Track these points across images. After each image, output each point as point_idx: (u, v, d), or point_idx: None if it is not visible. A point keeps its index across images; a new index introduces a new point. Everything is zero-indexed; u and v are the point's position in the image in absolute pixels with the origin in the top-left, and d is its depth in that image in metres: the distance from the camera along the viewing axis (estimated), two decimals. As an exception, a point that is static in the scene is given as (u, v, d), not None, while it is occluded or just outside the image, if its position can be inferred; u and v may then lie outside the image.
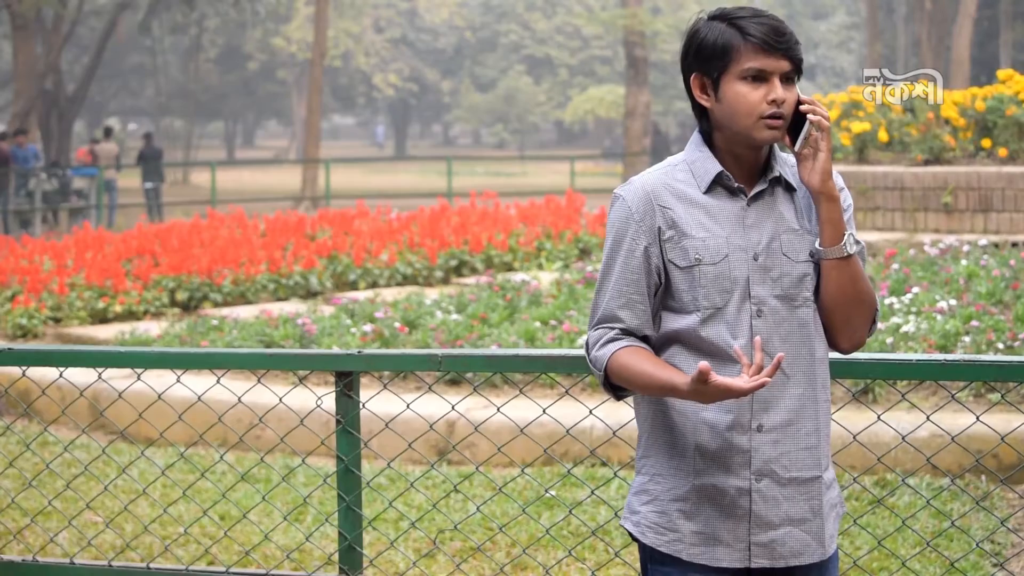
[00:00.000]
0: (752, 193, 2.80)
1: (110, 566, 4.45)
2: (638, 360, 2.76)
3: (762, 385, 2.56)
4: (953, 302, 8.67)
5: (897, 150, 13.21)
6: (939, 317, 8.28)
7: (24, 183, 24.10)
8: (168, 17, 43.93)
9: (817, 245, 2.78)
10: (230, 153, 60.61)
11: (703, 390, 2.60)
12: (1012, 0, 38.98)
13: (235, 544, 5.61)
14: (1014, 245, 11.37)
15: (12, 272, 11.91)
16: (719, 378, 2.58)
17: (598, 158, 47.55)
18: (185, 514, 6.10)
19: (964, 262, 10.20)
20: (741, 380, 2.58)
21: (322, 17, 31.91)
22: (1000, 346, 7.64)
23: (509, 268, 13.27)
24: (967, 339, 7.76)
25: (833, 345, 2.87)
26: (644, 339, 2.82)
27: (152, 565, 4.45)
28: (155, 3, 38.75)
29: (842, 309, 2.80)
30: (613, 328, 2.81)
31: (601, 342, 2.81)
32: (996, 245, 11.39)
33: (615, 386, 2.83)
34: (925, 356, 3.70)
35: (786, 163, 2.86)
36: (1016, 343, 7.66)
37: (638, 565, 5.42)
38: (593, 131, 67.18)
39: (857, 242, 2.79)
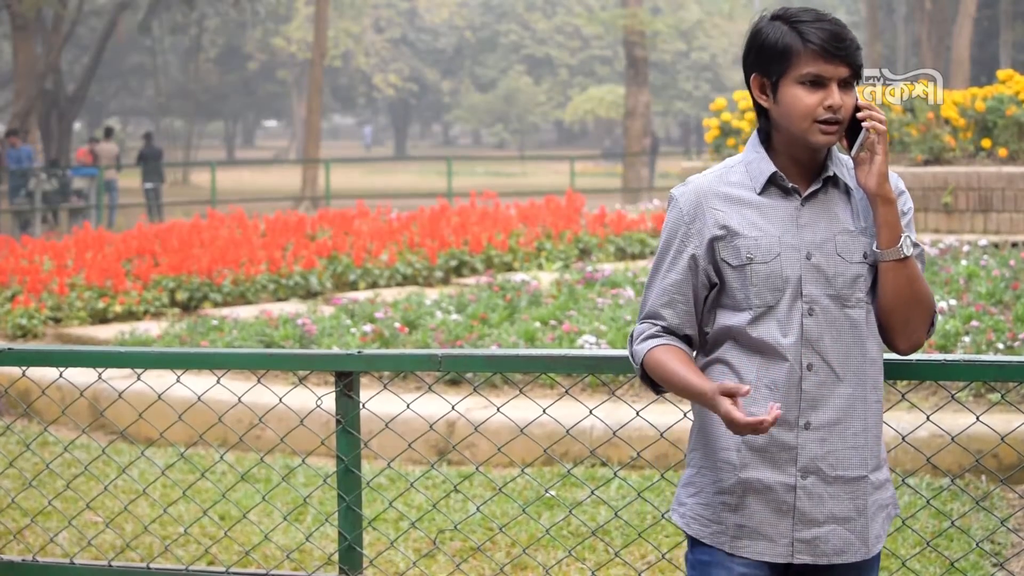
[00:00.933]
0: (806, 193, 2.82)
1: (110, 566, 4.45)
2: (670, 360, 2.82)
3: (756, 425, 2.62)
4: (953, 302, 8.67)
5: (897, 150, 13.21)
6: (939, 317, 8.28)
7: (20, 184, 24.09)
8: (168, 17, 43.95)
9: (874, 247, 2.81)
10: (230, 153, 60.63)
11: (715, 405, 2.67)
12: (1012, 0, 38.97)
13: (235, 544, 5.61)
14: (1014, 245, 11.37)
15: (12, 272, 11.91)
16: (729, 407, 2.64)
17: (598, 158, 47.58)
18: (185, 514, 6.10)
19: (964, 262, 10.20)
20: (742, 414, 2.63)
21: (322, 17, 31.92)
22: (1000, 346, 7.64)
23: (509, 268, 13.27)
24: (967, 339, 7.76)
25: (891, 346, 2.90)
26: (685, 338, 2.88)
27: (152, 565, 4.45)
28: (155, 3, 38.76)
29: (900, 310, 2.83)
30: (656, 324, 2.88)
31: (642, 337, 2.89)
32: (996, 245, 11.40)
33: (652, 381, 2.90)
34: (925, 356, 3.69)
35: (843, 164, 2.88)
36: (1016, 343, 7.66)
37: (638, 565, 5.45)
38: (593, 131, 67.20)
39: (915, 244, 2.81)
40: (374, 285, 12.50)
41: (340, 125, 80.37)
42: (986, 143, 12.79)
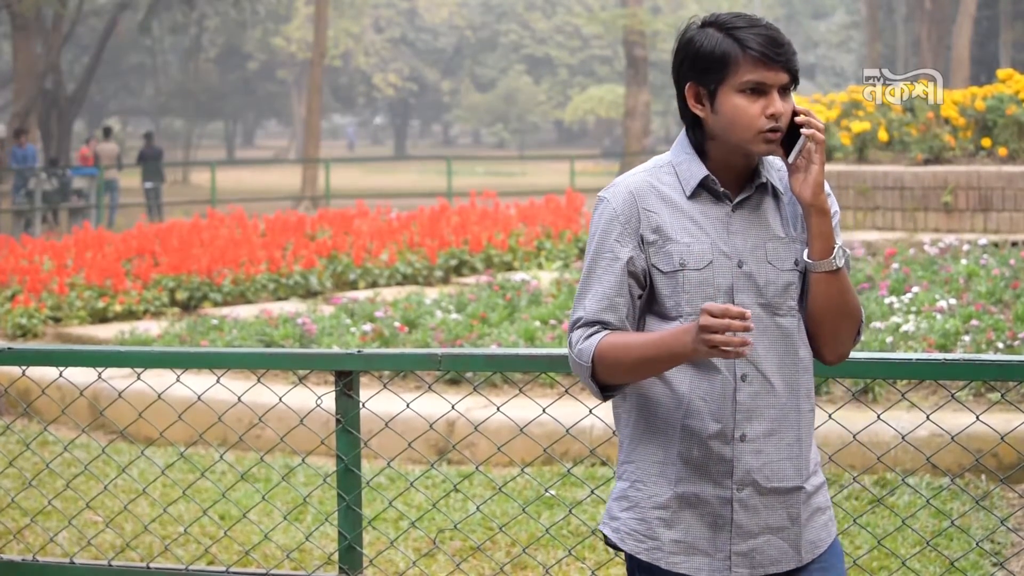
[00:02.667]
0: (737, 199, 2.76)
1: (110, 566, 4.45)
2: (628, 336, 2.71)
3: (742, 315, 2.50)
4: (953, 301, 8.67)
5: (897, 149, 13.21)
6: (939, 316, 8.28)
7: (22, 183, 24.11)
8: (168, 17, 43.93)
9: (806, 257, 2.75)
10: (230, 153, 60.61)
11: (709, 324, 2.52)
12: (1012, 0, 38.97)
13: (235, 544, 5.61)
14: (1014, 244, 11.37)
15: (12, 272, 11.91)
16: (716, 305, 2.52)
17: (598, 158, 47.53)
18: (185, 514, 6.10)
19: (964, 261, 10.20)
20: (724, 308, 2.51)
21: (322, 17, 31.91)
22: (1000, 345, 7.64)
23: (509, 268, 13.27)
24: (967, 338, 7.76)
25: (818, 356, 2.83)
26: None
27: (152, 565, 4.45)
28: (155, 3, 38.75)
29: (830, 321, 2.77)
30: (595, 326, 2.76)
31: (584, 336, 2.76)
32: (996, 244, 11.39)
33: (602, 385, 2.79)
34: (925, 355, 3.70)
35: (772, 167, 2.81)
36: (1016, 342, 7.66)
37: (638, 564, 5.42)
38: (593, 131, 67.17)
39: (844, 253, 2.76)
40: (374, 284, 12.49)
41: (340, 125, 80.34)
42: (986, 142, 12.79)
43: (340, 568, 4.08)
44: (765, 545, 2.75)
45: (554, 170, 41.40)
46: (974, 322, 8.01)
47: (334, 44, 48.99)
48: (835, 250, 2.73)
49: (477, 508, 4.93)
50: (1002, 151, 12.57)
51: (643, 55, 32.16)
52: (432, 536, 5.64)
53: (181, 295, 11.54)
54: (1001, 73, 13.74)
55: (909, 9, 42.63)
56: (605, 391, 2.81)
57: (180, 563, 4.82)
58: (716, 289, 2.71)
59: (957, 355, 3.62)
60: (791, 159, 2.72)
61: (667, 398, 2.75)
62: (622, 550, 2.82)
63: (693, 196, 2.75)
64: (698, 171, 2.75)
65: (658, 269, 2.74)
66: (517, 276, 11.83)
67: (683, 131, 2.82)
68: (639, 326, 2.79)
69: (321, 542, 5.62)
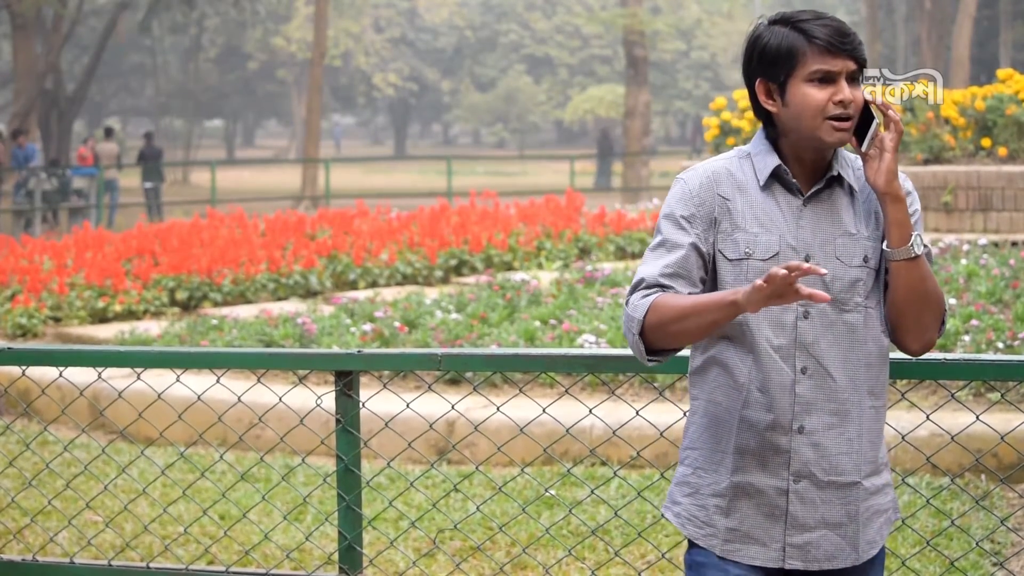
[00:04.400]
0: (809, 192, 2.78)
1: (110, 566, 4.45)
2: (682, 297, 2.70)
3: (811, 270, 2.46)
4: (953, 301, 8.67)
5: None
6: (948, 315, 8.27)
7: (23, 183, 24.12)
8: (168, 17, 43.91)
9: (885, 246, 2.77)
10: (230, 153, 60.60)
11: (765, 288, 2.49)
12: (1012, 0, 38.96)
13: (235, 544, 5.61)
14: (1014, 244, 11.37)
15: (12, 272, 11.91)
16: (774, 271, 2.48)
17: (597, 157, 47.49)
18: (185, 514, 6.10)
19: (964, 261, 10.20)
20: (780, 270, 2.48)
21: (322, 17, 31.90)
22: (1000, 345, 7.64)
23: (509, 267, 13.27)
24: (967, 338, 7.76)
25: (903, 346, 2.86)
26: None
27: (152, 564, 4.45)
28: (155, 3, 38.73)
29: (912, 309, 2.80)
30: (654, 289, 2.74)
31: (641, 296, 2.74)
32: (996, 244, 11.40)
33: (650, 349, 2.74)
34: (925, 355, 3.69)
35: (849, 164, 2.84)
36: (1016, 342, 7.66)
37: (638, 564, 5.44)
38: (593, 131, 67.15)
39: (925, 243, 2.78)
40: (374, 284, 12.49)
41: (340, 125, 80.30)
42: (986, 142, 12.79)
43: (340, 568, 4.08)
44: (821, 539, 2.78)
45: (554, 170, 41.42)
46: (974, 322, 8.01)
47: (334, 44, 48.98)
48: (913, 237, 2.75)
49: (477, 508, 4.93)
50: (1002, 151, 12.57)
51: (643, 55, 32.15)
52: (432, 536, 5.64)
53: (181, 295, 11.54)
54: (1001, 73, 13.75)
55: (909, 9, 42.63)
56: (651, 354, 2.77)
57: (180, 563, 4.82)
58: None
59: (957, 355, 3.62)
60: (864, 147, 2.75)
61: (729, 387, 2.78)
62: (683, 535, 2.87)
63: (766, 186, 2.79)
64: (772, 161, 2.79)
65: (723, 255, 2.77)
66: (517, 276, 11.83)
67: (761, 127, 2.86)
68: None
69: (321, 542, 5.62)
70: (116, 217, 24.98)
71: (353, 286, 12.44)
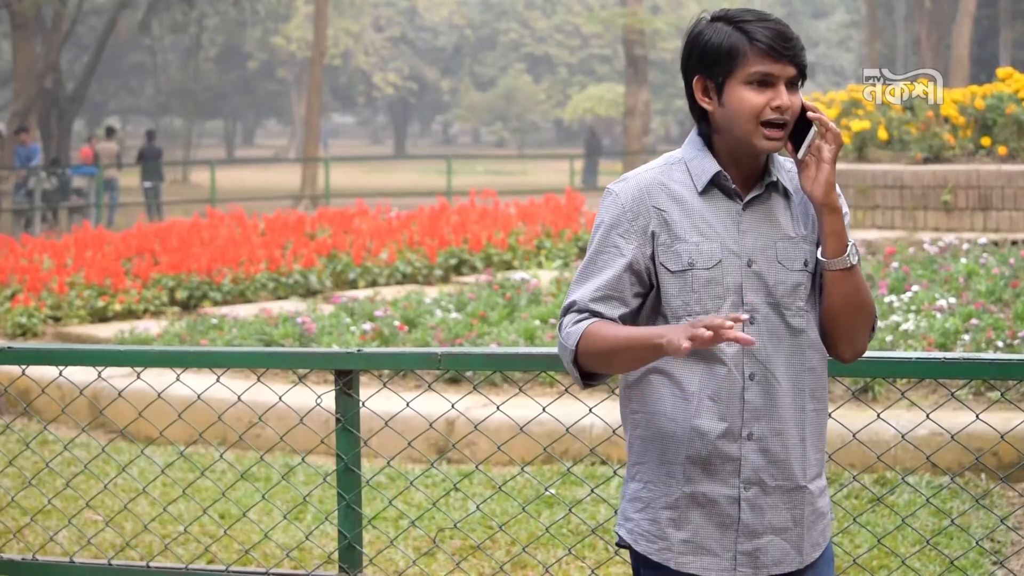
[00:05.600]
0: (748, 198, 2.76)
1: (110, 565, 4.45)
2: (611, 328, 2.69)
3: (737, 319, 2.48)
4: (953, 300, 8.67)
5: (897, 148, 13.21)
6: (939, 315, 8.28)
7: (22, 182, 24.12)
8: (168, 16, 43.93)
9: (820, 256, 2.75)
10: (230, 152, 60.58)
11: (695, 334, 2.50)
12: (1012, -2, 38.97)
13: (235, 543, 5.61)
14: (1014, 243, 11.37)
15: (12, 271, 11.91)
16: (706, 318, 2.50)
17: (585, 156, 47.46)
18: (185, 513, 6.10)
19: (964, 260, 10.20)
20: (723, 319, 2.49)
21: (322, 16, 31.90)
22: (1000, 344, 7.64)
23: (509, 267, 13.27)
24: (967, 337, 7.76)
25: (835, 354, 2.84)
26: None
27: (152, 564, 4.45)
28: (155, 2, 38.75)
29: (845, 318, 2.78)
30: (585, 314, 2.74)
31: (574, 321, 2.74)
32: (996, 243, 11.39)
33: (584, 372, 2.76)
34: (925, 354, 3.69)
35: (783, 168, 2.81)
36: (1015, 341, 7.66)
37: (638, 563, 5.41)
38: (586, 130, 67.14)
39: (856, 251, 2.77)
40: (374, 283, 12.49)
41: (340, 124, 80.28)
42: (986, 141, 12.78)
43: (340, 567, 4.09)
44: (769, 545, 2.76)
45: (554, 169, 41.39)
46: (974, 321, 8.01)
47: (334, 43, 48.97)
48: (848, 247, 2.74)
49: (477, 507, 4.93)
50: (1002, 150, 12.57)
51: (643, 54, 32.14)
52: (432, 535, 5.64)
53: (181, 294, 11.54)
54: (1001, 72, 13.74)
55: (909, 8, 42.63)
56: (586, 379, 2.78)
57: (180, 562, 4.83)
58: (725, 288, 2.72)
59: (957, 354, 3.62)
60: (800, 155, 2.72)
61: (676, 398, 2.74)
62: (635, 551, 2.82)
63: (704, 192, 2.75)
64: (710, 167, 2.75)
65: (666, 268, 2.73)
66: (517, 275, 11.83)
67: (694, 129, 2.83)
68: (648, 325, 2.76)
69: (321, 541, 5.62)
70: (116, 216, 24.98)
71: (353, 285, 12.44)
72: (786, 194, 2.79)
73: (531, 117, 61.20)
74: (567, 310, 2.77)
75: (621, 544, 2.86)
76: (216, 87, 56.88)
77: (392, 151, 65.19)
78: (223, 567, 4.46)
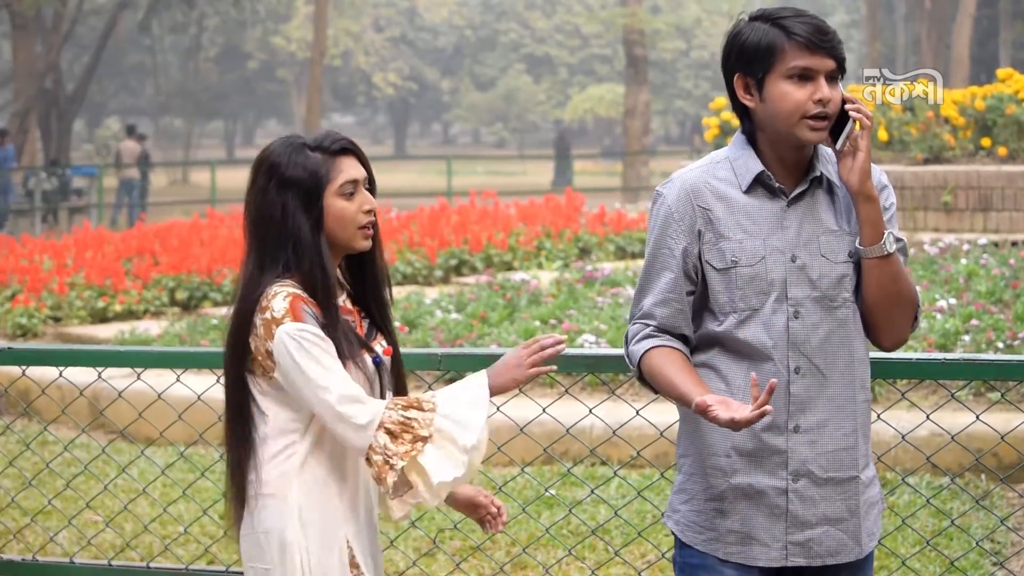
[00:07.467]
0: (792, 194, 2.80)
1: (110, 565, 4.45)
2: (665, 364, 2.78)
3: (763, 415, 2.56)
4: (953, 301, 8.67)
5: (897, 149, 13.21)
6: (939, 316, 8.28)
7: (5, 184, 24.04)
8: (168, 16, 43.93)
9: (857, 244, 2.78)
10: (230, 152, 60.57)
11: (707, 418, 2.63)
12: (1012, -1, 38.97)
13: (235, 543, 5.60)
14: (1014, 244, 11.37)
15: (12, 271, 11.91)
16: (720, 413, 2.59)
17: (597, 157, 47.51)
18: (185, 513, 6.10)
19: (964, 261, 10.20)
20: (742, 412, 2.58)
21: (322, 16, 31.92)
22: (1000, 345, 7.64)
23: (509, 267, 13.27)
24: (967, 338, 7.76)
25: (876, 343, 2.88)
26: (682, 337, 2.84)
27: (152, 564, 4.45)
28: (155, 2, 38.73)
29: (884, 307, 2.81)
30: (649, 325, 2.83)
31: (637, 338, 2.85)
32: (996, 244, 11.40)
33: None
34: (925, 355, 3.69)
35: (828, 161, 2.85)
36: (1016, 342, 7.66)
37: (638, 564, 5.43)
38: (592, 130, 67.15)
39: (898, 239, 2.80)
40: (374, 284, 12.47)
41: (340, 124, 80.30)
42: (986, 142, 12.79)
43: (340, 568, 4.08)
44: (823, 536, 2.79)
45: (554, 169, 41.34)
46: (974, 322, 8.01)
47: (334, 43, 48.97)
48: (884, 235, 2.76)
49: (477, 508, 4.91)
50: (1002, 151, 12.57)
51: (643, 54, 32.15)
52: (432, 536, 5.64)
53: (181, 295, 11.54)
54: (1001, 73, 13.75)
55: (909, 8, 42.63)
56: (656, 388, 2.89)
57: (180, 563, 4.82)
58: (769, 284, 2.76)
59: (957, 355, 3.62)
60: (839, 146, 2.76)
61: (722, 391, 2.78)
62: (681, 541, 2.87)
63: (749, 191, 2.80)
64: (754, 166, 2.80)
65: (711, 265, 2.79)
66: (517, 276, 11.83)
67: (739, 130, 2.87)
68: (695, 322, 2.84)
69: (321, 542, 5.61)
70: (119, 216, 24.92)
71: (353, 286, 12.42)
72: (831, 188, 2.83)
73: (531, 117, 61.19)
74: (633, 318, 2.88)
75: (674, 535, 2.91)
76: (216, 87, 56.86)
77: (392, 151, 65.18)
78: (223, 568, 4.45)
